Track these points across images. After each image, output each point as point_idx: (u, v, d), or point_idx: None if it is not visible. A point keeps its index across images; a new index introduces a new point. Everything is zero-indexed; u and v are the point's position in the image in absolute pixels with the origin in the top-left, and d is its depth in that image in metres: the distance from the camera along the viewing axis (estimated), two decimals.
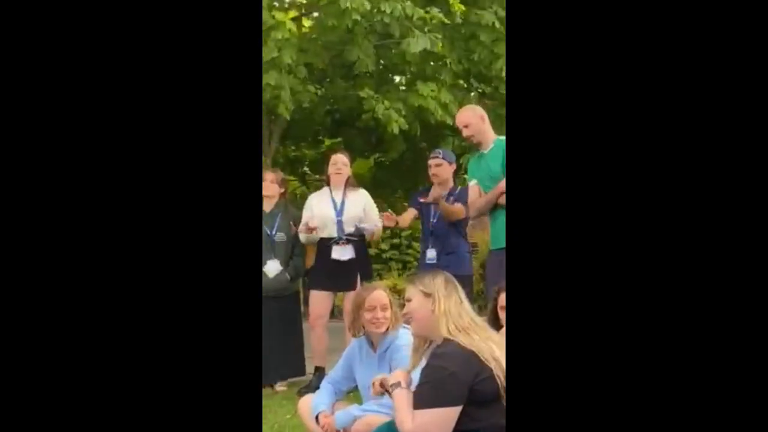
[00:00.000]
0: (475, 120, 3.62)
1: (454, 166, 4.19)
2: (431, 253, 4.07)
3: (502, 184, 3.41)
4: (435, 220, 4.10)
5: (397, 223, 4.19)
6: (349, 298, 3.94)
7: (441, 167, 4.11)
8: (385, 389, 2.15)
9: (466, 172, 8.74)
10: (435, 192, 3.98)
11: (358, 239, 4.16)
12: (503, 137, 3.66)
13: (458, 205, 4.03)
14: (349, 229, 4.12)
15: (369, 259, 4.50)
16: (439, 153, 4.22)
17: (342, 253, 4.10)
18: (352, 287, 3.99)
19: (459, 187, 4.19)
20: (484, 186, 3.61)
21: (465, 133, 3.66)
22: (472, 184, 3.72)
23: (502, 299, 2.64)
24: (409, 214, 4.33)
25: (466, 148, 7.07)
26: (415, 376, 2.11)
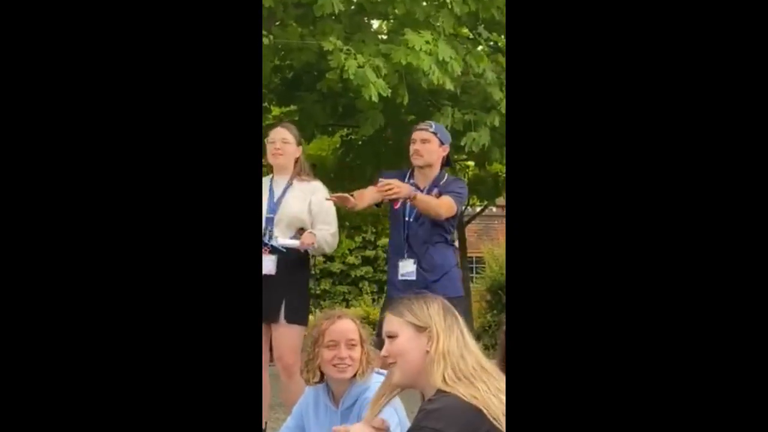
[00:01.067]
0: None
1: (446, 149, 4.08)
2: (407, 266, 3.94)
3: None
4: (411, 219, 3.98)
5: (352, 201, 3.84)
6: (282, 335, 3.91)
7: (428, 145, 3.99)
8: None
9: (466, 156, 8.83)
10: (406, 188, 3.77)
11: (287, 251, 3.97)
12: None
13: (445, 198, 3.92)
14: (283, 234, 3.98)
15: (304, 282, 4.24)
16: (431, 125, 4.10)
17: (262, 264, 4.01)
18: (274, 317, 3.88)
19: (447, 176, 4.11)
20: None
21: None
22: None
23: None
24: (369, 193, 3.96)
25: (469, 125, 7.00)
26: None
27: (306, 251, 4.03)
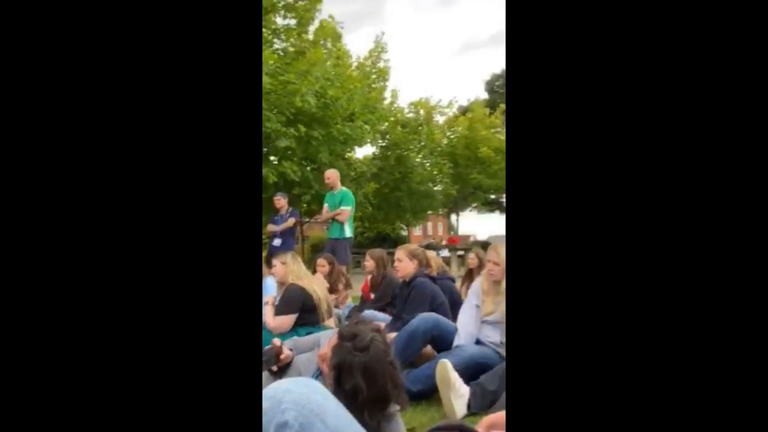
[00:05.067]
0: (334, 178, 7.85)
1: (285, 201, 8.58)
2: (277, 242, 8.10)
3: (339, 211, 7.49)
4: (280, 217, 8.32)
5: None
6: None
7: (279, 201, 8.48)
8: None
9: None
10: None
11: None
12: (345, 189, 7.87)
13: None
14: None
15: None
16: (282, 194, 8.76)
17: None
18: None
19: (291, 209, 8.54)
20: (332, 208, 7.73)
21: (327, 183, 7.85)
22: (325, 207, 7.86)
23: (320, 262, 5.94)
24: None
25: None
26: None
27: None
